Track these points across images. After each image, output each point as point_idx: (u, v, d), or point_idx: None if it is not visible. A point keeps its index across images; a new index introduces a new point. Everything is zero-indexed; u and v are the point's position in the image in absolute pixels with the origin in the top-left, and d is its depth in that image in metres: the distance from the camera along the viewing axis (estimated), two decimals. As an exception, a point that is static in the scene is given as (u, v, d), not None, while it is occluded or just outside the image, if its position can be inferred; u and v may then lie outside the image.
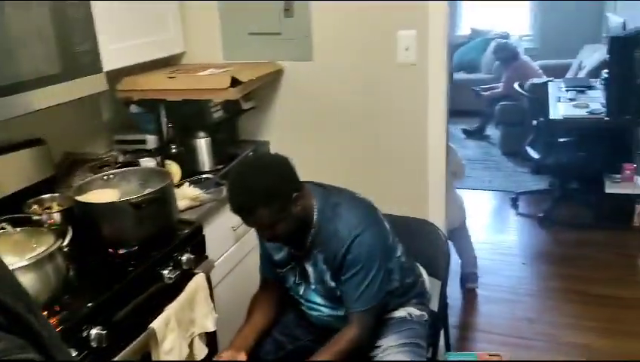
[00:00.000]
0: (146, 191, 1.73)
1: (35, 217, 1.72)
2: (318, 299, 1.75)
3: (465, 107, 6.41)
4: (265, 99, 2.37)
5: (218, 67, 2.16)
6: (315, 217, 1.64)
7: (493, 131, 5.91)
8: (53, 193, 1.86)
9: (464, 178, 3.12)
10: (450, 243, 3.06)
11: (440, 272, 2.03)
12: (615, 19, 5.10)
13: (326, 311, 1.75)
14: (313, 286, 1.73)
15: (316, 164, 1.89)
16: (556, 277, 3.35)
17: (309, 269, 1.71)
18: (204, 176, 2.16)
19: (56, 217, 1.75)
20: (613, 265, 3.40)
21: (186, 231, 1.84)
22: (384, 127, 2.22)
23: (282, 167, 1.58)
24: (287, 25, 2.22)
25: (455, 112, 6.42)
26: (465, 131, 6.14)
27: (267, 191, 1.53)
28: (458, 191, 3.08)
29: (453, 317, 3.00)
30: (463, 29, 7.40)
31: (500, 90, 5.44)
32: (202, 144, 2.21)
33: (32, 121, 1.86)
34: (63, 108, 1.77)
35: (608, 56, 3.50)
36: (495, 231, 4.11)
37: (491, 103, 5.58)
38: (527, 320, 2.92)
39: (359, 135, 2.28)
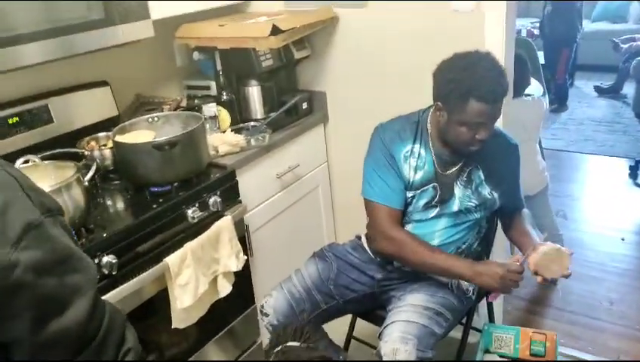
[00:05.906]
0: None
1: (86, 153, 1.91)
2: (442, 223, 1.74)
3: (601, 61, 5.78)
4: (320, 48, 2.33)
5: (270, 15, 2.16)
6: None
7: (631, 90, 5.26)
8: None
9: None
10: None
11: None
12: None
13: (438, 235, 1.75)
14: (454, 207, 1.72)
15: (375, 117, 1.85)
16: (657, 257, 2.99)
17: (457, 187, 1.72)
18: (252, 123, 2.22)
19: (107, 154, 1.93)
20: None
21: (217, 175, 1.92)
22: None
23: None
24: (342, -29, 2.14)
25: (588, 67, 5.88)
26: (597, 88, 5.54)
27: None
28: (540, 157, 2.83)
29: (526, 289, 2.82)
30: (613, -28, 6.55)
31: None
32: (254, 92, 2.25)
33: (105, 64, 2.08)
34: (137, 53, 1.95)
35: None
36: (602, 201, 3.71)
37: (630, 58, 4.93)
38: (607, 301, 2.65)
39: (415, 87, 2.15)
